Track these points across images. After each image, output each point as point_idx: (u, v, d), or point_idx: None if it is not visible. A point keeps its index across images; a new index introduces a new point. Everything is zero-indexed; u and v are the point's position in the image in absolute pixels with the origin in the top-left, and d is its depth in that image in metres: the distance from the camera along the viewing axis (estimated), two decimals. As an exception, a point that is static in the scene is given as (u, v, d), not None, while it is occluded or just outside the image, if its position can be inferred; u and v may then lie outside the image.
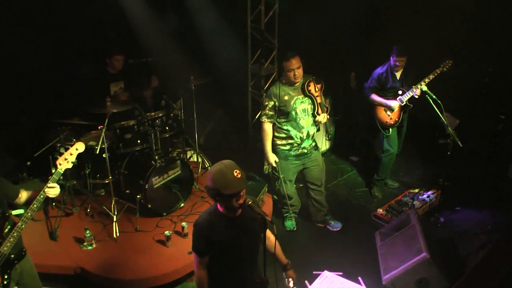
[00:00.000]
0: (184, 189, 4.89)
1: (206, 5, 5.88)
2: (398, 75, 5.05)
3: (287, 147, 4.40)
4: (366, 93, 5.17)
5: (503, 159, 5.81)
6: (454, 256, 4.32)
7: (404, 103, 5.05)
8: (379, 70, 5.10)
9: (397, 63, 4.92)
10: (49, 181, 2.86)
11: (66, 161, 2.93)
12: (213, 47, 6.13)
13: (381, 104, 5.12)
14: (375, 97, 5.11)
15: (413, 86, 4.92)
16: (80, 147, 2.99)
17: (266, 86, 6.13)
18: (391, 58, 4.95)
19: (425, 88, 4.63)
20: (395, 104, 5.05)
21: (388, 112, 5.10)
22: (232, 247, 2.72)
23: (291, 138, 4.36)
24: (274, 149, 4.42)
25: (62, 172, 2.91)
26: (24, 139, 5.23)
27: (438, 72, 4.81)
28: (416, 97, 4.96)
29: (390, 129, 5.18)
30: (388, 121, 5.14)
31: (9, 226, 2.84)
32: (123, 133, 4.69)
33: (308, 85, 4.27)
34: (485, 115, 6.09)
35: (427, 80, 4.83)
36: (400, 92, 5.04)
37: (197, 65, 5.80)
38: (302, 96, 4.30)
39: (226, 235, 2.69)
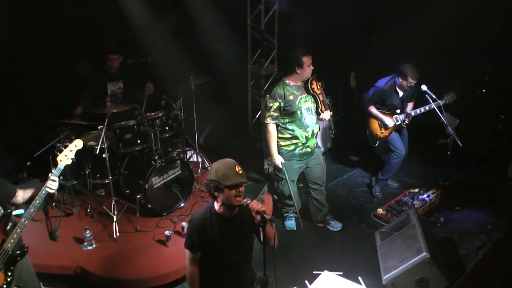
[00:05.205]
0: (184, 189, 4.89)
1: (206, 4, 5.87)
2: (401, 93, 5.06)
3: (292, 147, 4.40)
4: (365, 103, 5.18)
5: (502, 159, 5.82)
6: (454, 256, 4.33)
7: (399, 123, 5.08)
8: (384, 87, 5.07)
9: (413, 84, 4.87)
10: (50, 176, 2.93)
11: (66, 157, 3.04)
12: (213, 47, 6.12)
13: (377, 118, 5.14)
14: (373, 110, 5.14)
15: (407, 112, 5.03)
16: (79, 143, 3.12)
17: (266, 86, 6.13)
18: (407, 80, 4.85)
19: (425, 88, 4.62)
20: (390, 122, 5.08)
21: (382, 128, 5.14)
22: (224, 246, 2.75)
23: (296, 138, 4.36)
24: (278, 150, 4.41)
25: (62, 168, 3.01)
26: (24, 139, 5.22)
27: (441, 104, 4.72)
28: (403, 125, 5.08)
29: (377, 142, 5.22)
30: (378, 133, 5.19)
31: (10, 223, 2.88)
32: (123, 133, 4.68)
33: (311, 83, 4.29)
34: (485, 115, 6.09)
35: (423, 110, 4.91)
36: (398, 111, 5.07)
37: (197, 65, 5.79)
38: (306, 94, 4.31)
39: (219, 234, 2.72)
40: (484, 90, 5.93)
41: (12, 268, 2.89)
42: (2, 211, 2.88)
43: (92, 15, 5.42)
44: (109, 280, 3.93)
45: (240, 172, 2.64)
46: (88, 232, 4.21)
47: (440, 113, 4.55)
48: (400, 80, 4.93)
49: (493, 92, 5.89)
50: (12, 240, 2.83)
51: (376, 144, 5.28)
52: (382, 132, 5.17)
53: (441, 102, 4.73)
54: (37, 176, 5.17)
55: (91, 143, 4.57)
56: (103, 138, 4.34)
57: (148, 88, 5.25)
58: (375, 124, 5.19)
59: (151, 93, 5.27)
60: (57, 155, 3.06)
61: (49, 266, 3.97)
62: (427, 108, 4.89)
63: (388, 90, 5.05)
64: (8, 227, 2.86)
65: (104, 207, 4.63)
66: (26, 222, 2.86)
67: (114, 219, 4.45)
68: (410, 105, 5.16)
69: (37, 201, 2.88)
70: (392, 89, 5.04)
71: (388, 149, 5.33)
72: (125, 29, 5.57)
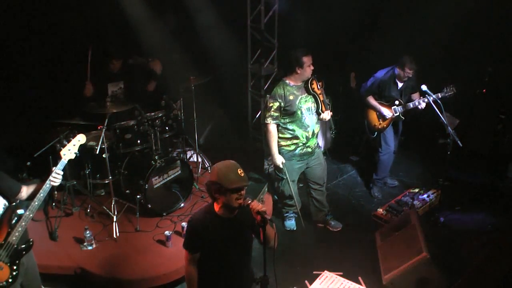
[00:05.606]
0: (184, 189, 4.89)
1: (206, 5, 5.88)
2: (400, 84, 5.06)
3: (292, 147, 4.40)
4: (363, 94, 5.18)
5: (503, 159, 5.82)
6: (454, 256, 4.32)
7: (398, 114, 5.07)
8: (383, 77, 5.07)
9: (410, 75, 4.89)
10: (54, 170, 2.93)
11: (69, 151, 3.03)
12: (213, 47, 6.13)
13: (374, 109, 5.13)
14: (371, 100, 5.14)
15: (419, 99, 4.96)
16: (82, 138, 3.12)
17: (266, 86, 6.13)
18: (404, 70, 4.87)
19: (425, 88, 4.63)
20: (388, 113, 5.07)
21: (380, 119, 5.13)
22: (224, 247, 2.74)
23: (297, 138, 4.36)
24: (278, 150, 4.41)
25: (66, 162, 3.01)
26: (24, 139, 5.22)
27: (440, 96, 4.71)
28: (421, 108, 4.96)
29: (376, 132, 5.21)
30: (376, 124, 5.18)
31: (15, 218, 2.89)
32: (123, 133, 4.69)
33: (311, 83, 4.29)
34: (485, 115, 6.09)
35: (422, 102, 4.88)
36: (396, 102, 5.06)
37: (197, 65, 5.80)
38: (306, 94, 4.32)
39: (219, 235, 2.71)
40: (484, 90, 5.93)
41: (17, 262, 2.91)
42: (7, 204, 2.91)
43: (93, 15, 5.43)
44: (109, 280, 3.93)
45: (242, 175, 2.62)
46: (88, 232, 4.21)
47: (440, 112, 4.55)
48: (398, 70, 4.94)
49: (493, 92, 5.89)
50: (17, 234, 2.85)
51: (375, 135, 5.27)
52: (380, 123, 5.16)
53: (440, 95, 4.73)
54: (37, 176, 5.16)
55: (91, 143, 4.57)
56: (103, 138, 4.34)
57: (155, 64, 5.21)
58: (373, 115, 5.18)
59: (159, 71, 5.24)
60: (60, 150, 3.05)
61: (49, 266, 3.97)
62: (426, 100, 4.83)
63: (387, 80, 5.04)
64: (13, 221, 2.88)
65: (104, 207, 4.63)
66: (31, 215, 2.88)
67: (114, 219, 4.45)
68: (416, 96, 5.15)
69: (41, 194, 2.89)
70: (391, 80, 5.04)
71: (378, 144, 5.33)
72: (125, 29, 5.57)
